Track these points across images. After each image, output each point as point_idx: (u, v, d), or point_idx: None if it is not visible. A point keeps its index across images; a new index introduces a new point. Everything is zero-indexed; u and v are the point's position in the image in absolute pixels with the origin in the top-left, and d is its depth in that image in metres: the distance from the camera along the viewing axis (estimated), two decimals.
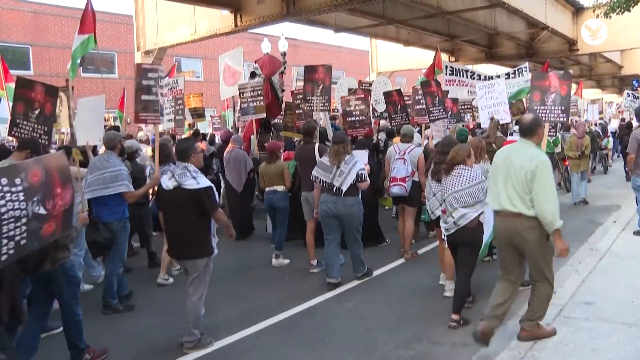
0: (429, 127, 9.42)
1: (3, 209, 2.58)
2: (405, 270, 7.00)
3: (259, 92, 9.93)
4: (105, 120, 11.98)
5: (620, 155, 18.41)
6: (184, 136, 10.49)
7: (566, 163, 12.01)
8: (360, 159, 6.49)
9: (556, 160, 11.76)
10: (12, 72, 11.43)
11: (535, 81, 6.75)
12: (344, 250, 6.68)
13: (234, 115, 13.52)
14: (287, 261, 7.45)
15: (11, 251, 2.66)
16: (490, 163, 5.09)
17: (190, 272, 4.75)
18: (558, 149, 11.59)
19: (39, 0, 25.23)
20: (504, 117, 9.63)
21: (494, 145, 7.66)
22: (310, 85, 8.64)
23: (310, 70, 8.73)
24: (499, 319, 4.39)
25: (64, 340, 4.46)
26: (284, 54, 20.77)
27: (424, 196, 6.32)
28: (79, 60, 8.15)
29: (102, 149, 7.33)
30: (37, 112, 6.63)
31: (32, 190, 2.73)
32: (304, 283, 6.58)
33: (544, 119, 6.98)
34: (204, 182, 4.64)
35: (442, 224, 5.28)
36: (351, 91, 9.95)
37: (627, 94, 18.60)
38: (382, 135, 10.90)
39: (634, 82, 28.07)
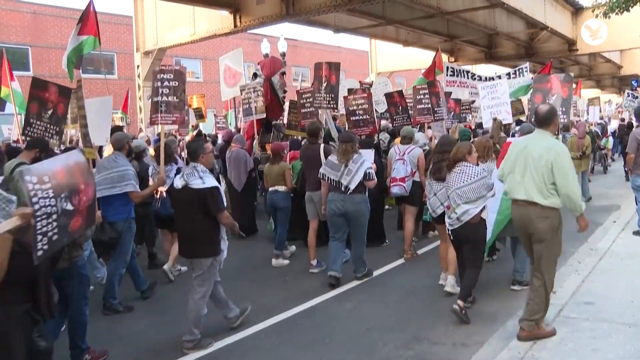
0: (429, 127, 9.47)
1: (36, 207, 2.65)
2: (405, 271, 7.00)
3: (259, 93, 9.98)
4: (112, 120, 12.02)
5: (621, 155, 18.42)
6: (187, 137, 10.52)
7: None
8: (367, 158, 6.56)
9: None
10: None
11: (537, 83, 6.79)
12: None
13: (236, 116, 13.53)
14: (287, 262, 7.46)
15: (45, 246, 2.74)
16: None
17: (195, 271, 4.80)
18: None
19: (38, 1, 25.23)
20: (506, 117, 9.64)
21: (497, 146, 7.70)
22: (317, 83, 8.73)
23: (317, 68, 8.84)
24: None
25: (63, 339, 4.46)
26: (283, 55, 20.76)
27: (426, 195, 6.41)
28: (75, 61, 8.14)
29: (106, 149, 7.37)
30: (50, 112, 6.74)
31: (59, 187, 2.82)
32: (304, 283, 6.57)
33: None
34: (210, 182, 4.67)
35: (446, 220, 5.39)
36: (351, 92, 9.97)
37: (628, 93, 18.64)
38: (383, 135, 10.91)
39: (633, 82, 28.09)
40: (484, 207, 5.15)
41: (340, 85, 12.55)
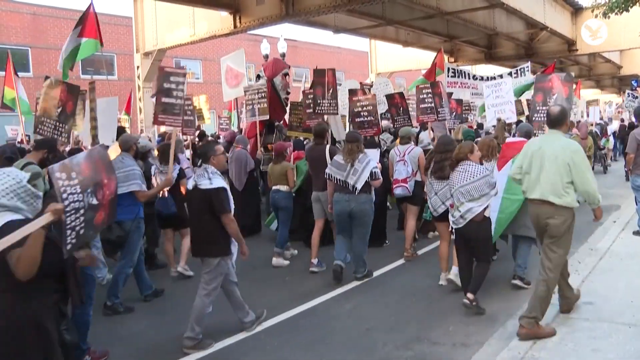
0: (429, 127, 9.55)
1: (66, 202, 2.73)
2: (405, 271, 7.00)
3: (263, 95, 10.08)
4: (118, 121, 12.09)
5: (622, 155, 18.42)
6: (189, 137, 10.55)
7: None
8: (372, 158, 6.63)
9: None
10: None
11: (538, 83, 6.82)
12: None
13: (238, 117, 13.55)
14: (286, 262, 7.46)
15: (73, 240, 2.84)
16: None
17: (203, 269, 4.87)
18: None
19: (38, 2, 25.25)
20: (510, 116, 9.66)
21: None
22: (321, 89, 8.86)
23: (319, 74, 8.94)
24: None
25: None
26: (283, 55, 20.74)
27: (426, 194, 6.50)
28: (70, 62, 8.19)
29: (112, 149, 7.42)
30: (59, 110, 6.82)
31: (85, 183, 2.90)
32: (304, 283, 6.58)
33: (544, 120, 7.05)
34: (217, 183, 4.72)
35: (450, 218, 5.45)
36: (352, 92, 10.03)
37: (628, 93, 18.64)
38: (385, 136, 10.93)
39: (632, 82, 28.08)
40: (487, 206, 5.24)
41: (342, 86, 12.65)
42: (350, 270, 6.61)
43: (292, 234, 7.84)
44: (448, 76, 12.31)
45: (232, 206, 4.86)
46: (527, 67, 12.69)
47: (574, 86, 12.29)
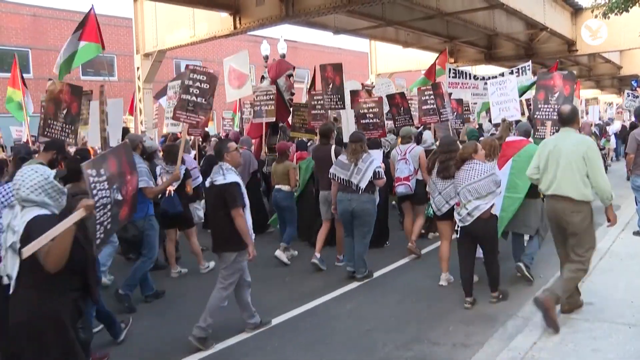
0: (429, 128, 9.57)
1: (96, 198, 2.84)
2: (405, 272, 7.01)
3: (271, 97, 10.19)
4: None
5: (623, 156, 18.41)
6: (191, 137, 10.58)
7: None
8: (376, 157, 6.70)
9: None
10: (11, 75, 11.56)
11: (540, 80, 6.84)
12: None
13: (241, 117, 13.58)
14: (293, 253, 7.56)
15: (102, 235, 2.96)
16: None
17: (221, 264, 4.94)
18: None
19: (38, 3, 25.31)
20: (514, 114, 9.67)
21: None
22: (324, 84, 9.00)
23: (322, 69, 9.10)
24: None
25: None
26: (283, 56, 20.74)
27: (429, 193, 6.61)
28: (68, 66, 8.22)
29: None
30: (64, 112, 6.88)
31: (112, 179, 3.01)
32: (305, 284, 6.58)
33: (546, 117, 7.08)
34: (230, 178, 4.79)
35: (456, 217, 5.52)
36: (354, 93, 10.09)
37: (627, 94, 18.63)
38: (390, 136, 10.94)
39: (632, 82, 28.08)
40: (493, 204, 5.36)
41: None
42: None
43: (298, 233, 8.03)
44: (449, 77, 12.31)
45: (247, 202, 4.91)
46: (529, 65, 12.67)
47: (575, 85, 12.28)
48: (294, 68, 11.33)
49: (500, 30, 20.71)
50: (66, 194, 3.08)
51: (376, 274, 6.75)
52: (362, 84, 13.52)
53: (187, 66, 6.58)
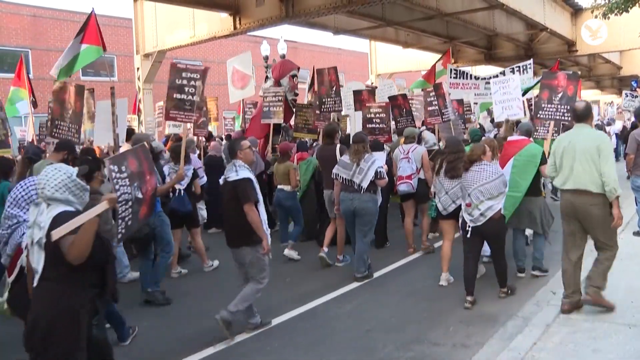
0: (435, 128, 9.71)
1: (118, 193, 2.90)
2: (405, 272, 7.01)
3: (280, 99, 10.25)
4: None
5: (624, 156, 18.40)
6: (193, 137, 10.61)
7: None
8: (378, 158, 6.78)
9: None
10: (11, 75, 11.59)
11: (545, 80, 6.87)
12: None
13: (243, 117, 13.59)
14: (297, 257, 7.59)
15: (123, 230, 3.03)
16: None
17: (238, 260, 5.02)
18: None
19: (38, 3, 25.38)
20: (517, 112, 9.68)
21: None
22: (326, 88, 9.10)
23: (321, 73, 9.20)
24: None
25: None
26: (283, 57, 20.75)
27: (431, 192, 6.76)
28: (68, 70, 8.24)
29: (122, 150, 7.52)
30: (70, 112, 6.93)
31: (133, 177, 3.08)
32: (305, 285, 6.58)
33: (550, 117, 7.10)
34: (243, 174, 4.85)
35: (466, 217, 5.56)
36: (357, 93, 10.13)
37: (626, 94, 18.61)
38: (394, 137, 10.98)
39: (632, 82, 28.09)
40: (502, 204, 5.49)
41: (346, 87, 12.73)
42: (350, 271, 6.64)
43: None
44: (450, 77, 12.31)
45: (260, 197, 4.95)
46: (530, 64, 12.66)
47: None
48: (298, 68, 11.34)
49: (500, 31, 20.72)
50: (89, 190, 3.13)
51: (376, 274, 6.75)
52: (366, 86, 13.59)
53: (172, 64, 6.54)
